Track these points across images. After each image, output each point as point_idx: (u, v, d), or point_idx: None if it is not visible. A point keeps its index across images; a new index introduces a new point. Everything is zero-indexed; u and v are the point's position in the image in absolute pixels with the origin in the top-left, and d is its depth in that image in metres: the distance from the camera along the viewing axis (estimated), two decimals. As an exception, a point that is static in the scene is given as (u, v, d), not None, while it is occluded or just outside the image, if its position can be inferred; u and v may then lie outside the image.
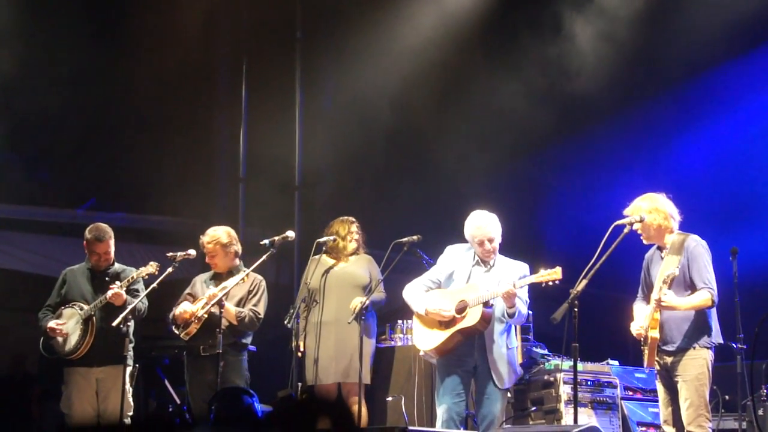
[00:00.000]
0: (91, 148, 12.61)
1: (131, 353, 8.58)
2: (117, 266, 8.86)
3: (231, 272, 8.94)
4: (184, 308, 8.78)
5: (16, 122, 12.04)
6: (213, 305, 8.47)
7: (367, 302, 8.83)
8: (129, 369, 8.54)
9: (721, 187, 11.48)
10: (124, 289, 8.48)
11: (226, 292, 8.52)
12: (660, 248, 7.88)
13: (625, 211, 7.86)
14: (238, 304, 8.79)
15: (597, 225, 8.01)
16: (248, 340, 8.94)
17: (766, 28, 11.60)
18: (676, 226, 7.86)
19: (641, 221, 7.75)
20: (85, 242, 8.80)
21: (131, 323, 8.45)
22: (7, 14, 11.81)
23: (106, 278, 8.71)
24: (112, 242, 8.79)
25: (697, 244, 7.73)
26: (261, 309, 8.87)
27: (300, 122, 13.18)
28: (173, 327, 8.89)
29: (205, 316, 8.59)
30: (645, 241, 7.92)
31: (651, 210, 7.81)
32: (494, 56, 12.64)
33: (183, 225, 12.67)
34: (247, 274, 8.70)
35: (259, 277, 8.88)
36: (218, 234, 8.97)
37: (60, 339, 8.58)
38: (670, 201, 7.91)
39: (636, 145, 12.23)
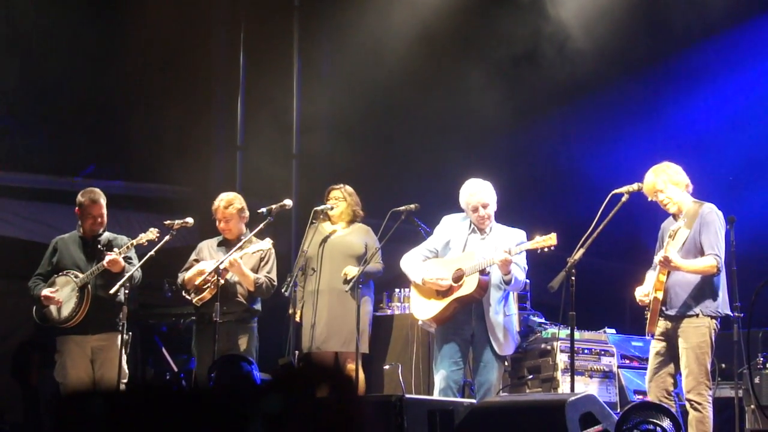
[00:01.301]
0: (90, 115, 12.56)
1: (125, 321, 8.60)
2: (108, 234, 8.82)
3: (239, 239, 8.92)
4: (197, 270, 8.76)
5: (14, 89, 12.00)
6: (234, 270, 8.50)
7: (359, 274, 8.86)
8: (125, 337, 8.55)
9: (719, 153, 11.45)
10: (122, 256, 8.47)
11: (241, 249, 8.55)
12: (675, 217, 7.88)
13: (647, 178, 7.82)
14: None
15: (596, 192, 8.01)
16: (259, 306, 8.96)
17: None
18: (691, 191, 7.88)
19: (638, 190, 7.76)
20: (77, 208, 8.76)
21: (126, 291, 8.46)
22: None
23: (98, 246, 8.68)
24: (105, 205, 8.79)
25: (711, 211, 7.74)
26: (274, 275, 8.92)
27: (298, 89, 13.14)
28: (183, 292, 8.88)
29: (222, 281, 8.55)
30: (669, 209, 7.89)
31: (677, 172, 7.82)
32: (495, 18, 12.58)
33: (181, 193, 12.65)
34: (273, 244, 8.71)
35: (268, 245, 8.84)
36: (234, 199, 9.00)
37: (54, 307, 8.56)
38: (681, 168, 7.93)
39: (633, 112, 12.19)
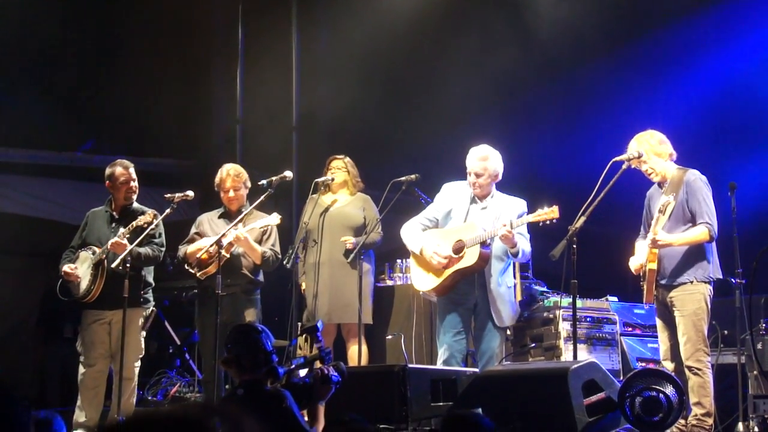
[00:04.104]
0: (88, 90, 12.54)
1: (149, 296, 8.66)
2: (137, 206, 8.82)
3: (239, 211, 8.91)
4: (199, 246, 8.75)
5: (13, 65, 11.97)
6: (241, 244, 8.52)
7: (359, 246, 8.87)
8: (146, 312, 8.60)
9: (720, 121, 11.42)
10: (126, 237, 8.41)
11: (244, 222, 8.56)
12: (660, 185, 7.88)
13: (629, 149, 7.82)
14: None
15: (596, 161, 7.99)
16: (262, 277, 8.96)
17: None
18: (675, 159, 7.88)
19: (639, 157, 7.75)
20: (107, 182, 8.74)
21: (150, 268, 8.60)
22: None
23: (124, 221, 8.63)
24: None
25: (696, 178, 7.73)
26: (278, 248, 8.93)
27: (297, 62, 13.09)
28: (185, 265, 8.87)
29: (227, 255, 8.55)
30: (653, 178, 7.89)
31: (660, 142, 7.82)
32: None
33: (181, 166, 12.64)
34: (280, 218, 8.70)
35: (277, 220, 8.78)
36: (241, 169, 9.01)
37: (75, 282, 8.58)
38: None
39: (633, 80, 12.14)
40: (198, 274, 8.74)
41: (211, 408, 1.89)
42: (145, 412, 1.90)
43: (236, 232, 8.54)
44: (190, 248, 8.82)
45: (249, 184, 9.02)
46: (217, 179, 9.02)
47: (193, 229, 9.08)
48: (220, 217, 9.03)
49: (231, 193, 8.94)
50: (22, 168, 12.21)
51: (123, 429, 1.89)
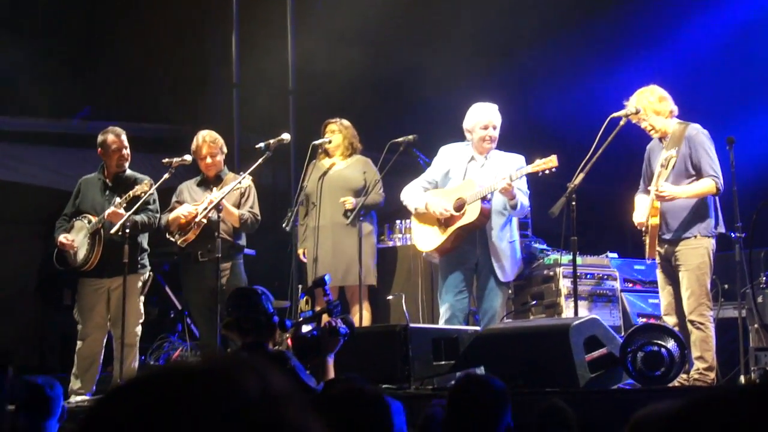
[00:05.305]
0: (84, 56, 12.48)
1: (146, 262, 8.69)
2: (130, 173, 8.79)
3: (219, 177, 8.87)
4: (180, 213, 8.71)
5: (7, 32, 11.90)
6: (212, 209, 8.42)
7: (359, 207, 8.84)
8: (143, 278, 8.62)
9: (718, 75, 11.38)
10: (122, 207, 8.39)
11: (226, 193, 8.47)
12: (661, 139, 7.85)
13: (629, 104, 7.78)
14: None
15: (596, 117, 7.96)
16: (244, 242, 8.94)
17: None
18: (675, 115, 7.84)
19: (637, 113, 7.71)
20: (99, 149, 8.69)
21: (145, 234, 8.62)
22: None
23: (118, 188, 8.61)
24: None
25: (698, 132, 7.69)
26: (257, 210, 8.85)
27: (292, 24, 13.01)
28: (167, 234, 8.85)
29: (204, 221, 8.52)
30: (652, 135, 7.86)
31: (660, 99, 7.77)
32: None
33: (178, 132, 12.58)
34: (248, 174, 8.59)
35: (248, 182, 8.74)
36: (216, 135, 8.93)
37: (71, 251, 8.56)
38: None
39: (632, 35, 12.09)
40: (179, 242, 8.73)
41: (241, 360, 1.69)
42: (159, 368, 1.66)
43: (210, 196, 8.51)
44: (171, 216, 8.79)
45: (225, 150, 8.96)
46: (192, 146, 8.91)
47: (174, 198, 9.02)
48: (198, 185, 8.96)
49: (208, 160, 8.85)
50: (18, 136, 12.18)
51: (137, 388, 1.68)
